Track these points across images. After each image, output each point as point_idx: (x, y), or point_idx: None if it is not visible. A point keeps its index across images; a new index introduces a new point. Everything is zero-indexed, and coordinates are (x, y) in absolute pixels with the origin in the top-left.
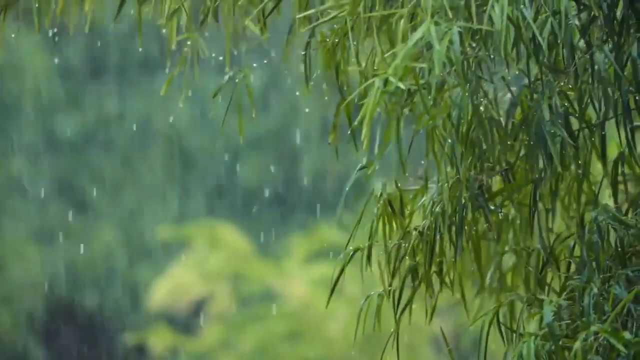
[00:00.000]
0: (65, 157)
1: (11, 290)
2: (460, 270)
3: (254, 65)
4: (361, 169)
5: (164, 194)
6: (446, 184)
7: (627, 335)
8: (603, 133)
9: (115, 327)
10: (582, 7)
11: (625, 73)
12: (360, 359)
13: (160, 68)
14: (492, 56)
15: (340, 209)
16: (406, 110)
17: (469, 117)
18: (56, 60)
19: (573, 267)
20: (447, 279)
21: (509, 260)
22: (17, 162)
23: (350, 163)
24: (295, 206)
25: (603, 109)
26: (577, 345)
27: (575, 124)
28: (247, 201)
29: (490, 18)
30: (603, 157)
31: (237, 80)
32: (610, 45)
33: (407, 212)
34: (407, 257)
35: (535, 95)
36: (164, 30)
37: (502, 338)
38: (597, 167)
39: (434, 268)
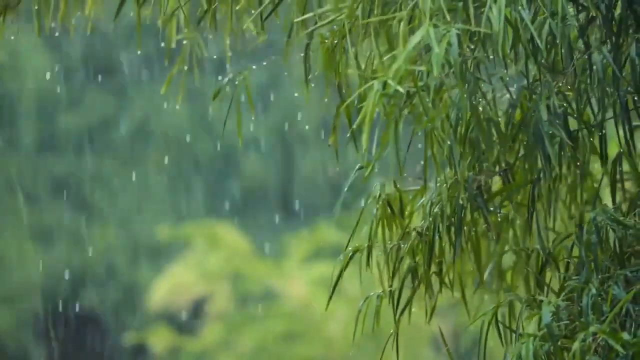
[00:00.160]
0: (65, 157)
1: (11, 290)
2: (460, 271)
3: (254, 67)
4: (360, 169)
5: (164, 194)
6: (445, 185)
7: (625, 336)
8: (600, 134)
9: (115, 327)
10: (580, 7)
11: (624, 74)
12: (360, 358)
13: (160, 68)
14: (490, 57)
15: (337, 209)
16: (405, 112)
17: (468, 118)
18: (56, 60)
19: (572, 268)
20: (446, 280)
21: (509, 260)
22: (17, 162)
23: (350, 163)
24: (294, 206)
25: (601, 109)
26: (576, 345)
27: (574, 124)
28: (247, 201)
29: (488, 19)
30: (601, 157)
31: (236, 82)
32: (608, 46)
33: (406, 213)
34: (406, 258)
35: (534, 96)
36: (160, 30)
37: (501, 339)
38: (596, 167)
39: (433, 269)
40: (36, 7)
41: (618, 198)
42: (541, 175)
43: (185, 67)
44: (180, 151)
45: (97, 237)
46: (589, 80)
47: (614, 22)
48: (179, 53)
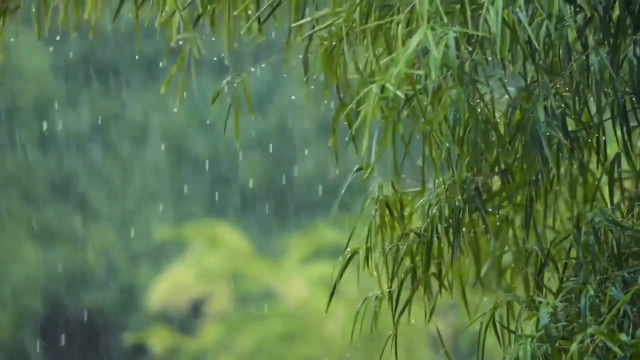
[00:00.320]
0: (64, 157)
1: (10, 290)
2: (460, 272)
3: (252, 69)
4: (358, 170)
5: (163, 194)
6: (443, 186)
7: (623, 337)
8: (597, 135)
9: (115, 327)
10: (578, 9)
11: (621, 74)
12: (359, 358)
13: (159, 68)
14: (488, 58)
15: (335, 211)
16: (404, 114)
17: (466, 119)
18: (56, 60)
19: (570, 269)
20: (445, 281)
21: (508, 260)
22: (17, 161)
23: (350, 163)
24: (293, 206)
25: (599, 110)
26: (574, 347)
27: (573, 125)
28: (246, 201)
29: (485, 21)
30: (598, 157)
31: (235, 84)
32: (606, 47)
33: (405, 214)
34: (405, 259)
35: (532, 97)
36: (158, 31)
37: (499, 339)
38: (596, 167)
39: (432, 269)
40: (35, 10)
41: (617, 198)
42: (539, 176)
43: (184, 66)
44: (180, 151)
45: (96, 238)
46: (587, 81)
47: (611, 24)
48: (179, 53)
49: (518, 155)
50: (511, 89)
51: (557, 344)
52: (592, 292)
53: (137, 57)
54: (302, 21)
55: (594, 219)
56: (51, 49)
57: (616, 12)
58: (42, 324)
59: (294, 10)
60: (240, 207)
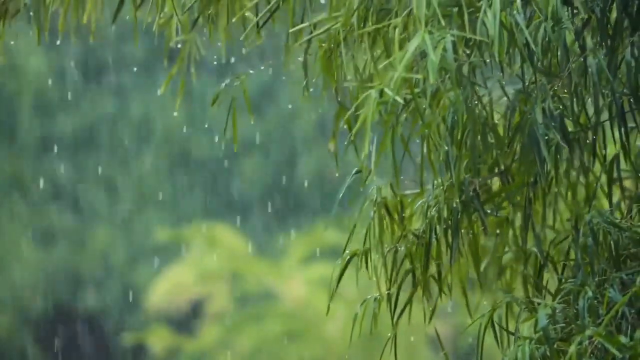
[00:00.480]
0: (64, 157)
1: (10, 291)
2: (460, 273)
3: (251, 72)
4: (357, 173)
5: (163, 195)
6: (441, 187)
7: (621, 338)
8: (594, 137)
9: (114, 328)
10: (575, 11)
11: (619, 76)
12: (359, 359)
13: (159, 69)
14: (486, 61)
15: (333, 213)
16: (403, 117)
17: (464, 121)
18: (55, 61)
19: (568, 270)
20: (444, 282)
21: (508, 261)
22: (17, 162)
23: (349, 164)
24: (293, 206)
25: (597, 111)
26: (572, 349)
27: (570, 126)
28: (245, 202)
29: (483, 24)
30: (595, 159)
31: (234, 86)
32: (604, 49)
33: (404, 216)
34: (404, 261)
35: (530, 98)
36: (156, 32)
37: (497, 341)
38: (595, 168)
39: (431, 271)
40: (33, 14)
41: (616, 198)
42: (537, 177)
43: (184, 67)
44: (179, 152)
45: (96, 238)
46: (584, 83)
47: (609, 25)
48: (179, 54)
49: (516, 157)
50: (508, 89)
51: (555, 346)
52: (590, 293)
53: (138, 57)
54: (300, 26)
55: (592, 221)
56: (51, 50)
57: (614, 14)
58: (42, 324)
59: (292, 15)
60: (240, 207)
